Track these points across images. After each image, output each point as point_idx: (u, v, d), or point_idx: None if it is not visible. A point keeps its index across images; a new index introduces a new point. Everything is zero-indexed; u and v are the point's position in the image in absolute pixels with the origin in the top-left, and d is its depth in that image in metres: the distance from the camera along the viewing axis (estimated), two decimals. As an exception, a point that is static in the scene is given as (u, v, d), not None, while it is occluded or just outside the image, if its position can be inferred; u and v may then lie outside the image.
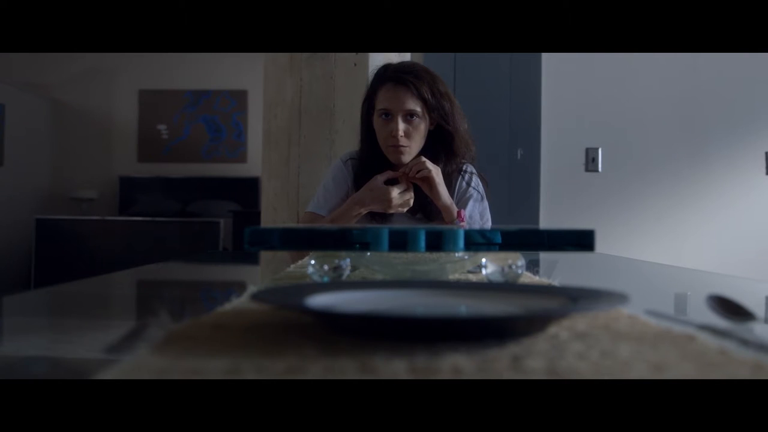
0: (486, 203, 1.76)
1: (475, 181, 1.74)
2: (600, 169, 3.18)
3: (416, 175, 1.58)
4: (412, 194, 1.62)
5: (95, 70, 6.51)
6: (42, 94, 6.39)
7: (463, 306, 0.55)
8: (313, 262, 0.81)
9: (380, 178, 1.61)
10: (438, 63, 1.65)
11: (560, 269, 1.19)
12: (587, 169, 3.19)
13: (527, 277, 0.91)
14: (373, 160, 1.69)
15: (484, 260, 0.82)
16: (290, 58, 2.78)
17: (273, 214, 2.87)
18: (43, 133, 6.39)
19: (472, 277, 0.92)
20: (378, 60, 1.95)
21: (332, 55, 2.71)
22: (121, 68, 6.51)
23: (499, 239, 0.71)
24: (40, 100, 6.35)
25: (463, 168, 1.74)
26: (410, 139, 1.61)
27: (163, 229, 5.34)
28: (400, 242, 0.73)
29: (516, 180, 3.12)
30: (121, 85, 6.57)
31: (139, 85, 6.57)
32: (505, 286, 0.61)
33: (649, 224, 3.17)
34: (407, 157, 1.63)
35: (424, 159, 1.59)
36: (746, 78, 3.19)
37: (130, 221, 5.43)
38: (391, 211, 1.61)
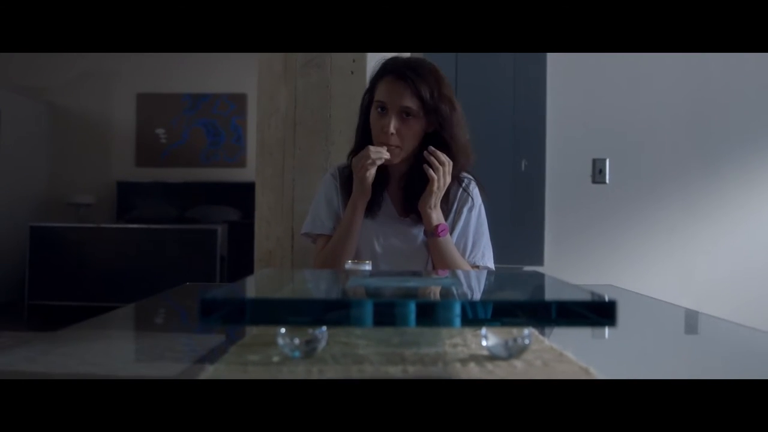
0: (484, 216, 1.69)
1: (475, 192, 1.67)
2: (607, 181, 3.07)
3: (430, 160, 1.51)
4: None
5: (93, 73, 6.41)
6: (39, 97, 6.29)
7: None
8: (283, 331, 0.69)
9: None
10: (439, 64, 1.57)
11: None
12: (594, 181, 3.07)
13: (536, 341, 0.80)
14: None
15: (484, 330, 0.70)
16: (285, 66, 2.66)
17: (267, 229, 2.76)
18: (40, 138, 6.29)
19: (473, 343, 0.80)
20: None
21: (328, 62, 2.60)
22: (119, 72, 6.41)
23: (495, 313, 0.60)
24: (37, 104, 6.25)
25: (462, 177, 1.67)
26: (402, 139, 1.54)
27: (160, 236, 5.22)
28: (387, 318, 0.61)
29: (520, 192, 3.00)
30: (119, 88, 6.47)
31: (137, 89, 6.46)
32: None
33: (658, 239, 3.04)
34: (396, 159, 1.56)
35: (447, 161, 1.53)
36: (761, 86, 3.07)
37: (125, 229, 5.30)
38: (370, 164, 1.51)
